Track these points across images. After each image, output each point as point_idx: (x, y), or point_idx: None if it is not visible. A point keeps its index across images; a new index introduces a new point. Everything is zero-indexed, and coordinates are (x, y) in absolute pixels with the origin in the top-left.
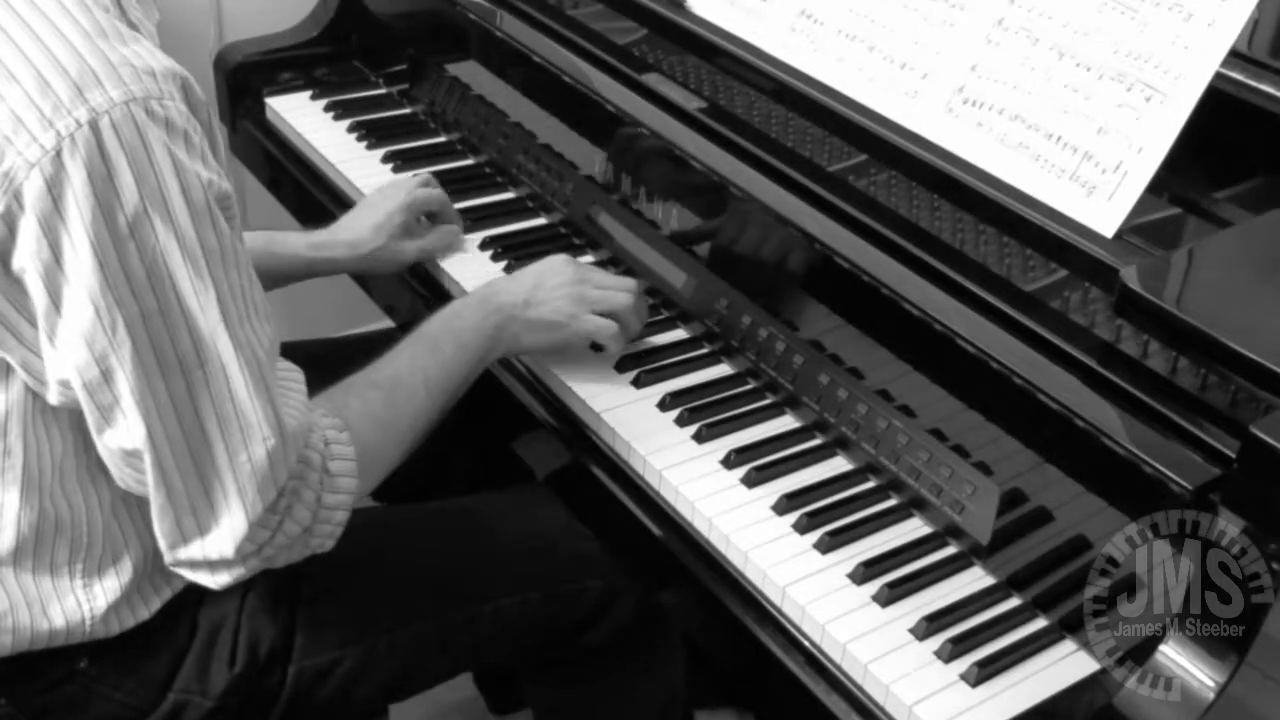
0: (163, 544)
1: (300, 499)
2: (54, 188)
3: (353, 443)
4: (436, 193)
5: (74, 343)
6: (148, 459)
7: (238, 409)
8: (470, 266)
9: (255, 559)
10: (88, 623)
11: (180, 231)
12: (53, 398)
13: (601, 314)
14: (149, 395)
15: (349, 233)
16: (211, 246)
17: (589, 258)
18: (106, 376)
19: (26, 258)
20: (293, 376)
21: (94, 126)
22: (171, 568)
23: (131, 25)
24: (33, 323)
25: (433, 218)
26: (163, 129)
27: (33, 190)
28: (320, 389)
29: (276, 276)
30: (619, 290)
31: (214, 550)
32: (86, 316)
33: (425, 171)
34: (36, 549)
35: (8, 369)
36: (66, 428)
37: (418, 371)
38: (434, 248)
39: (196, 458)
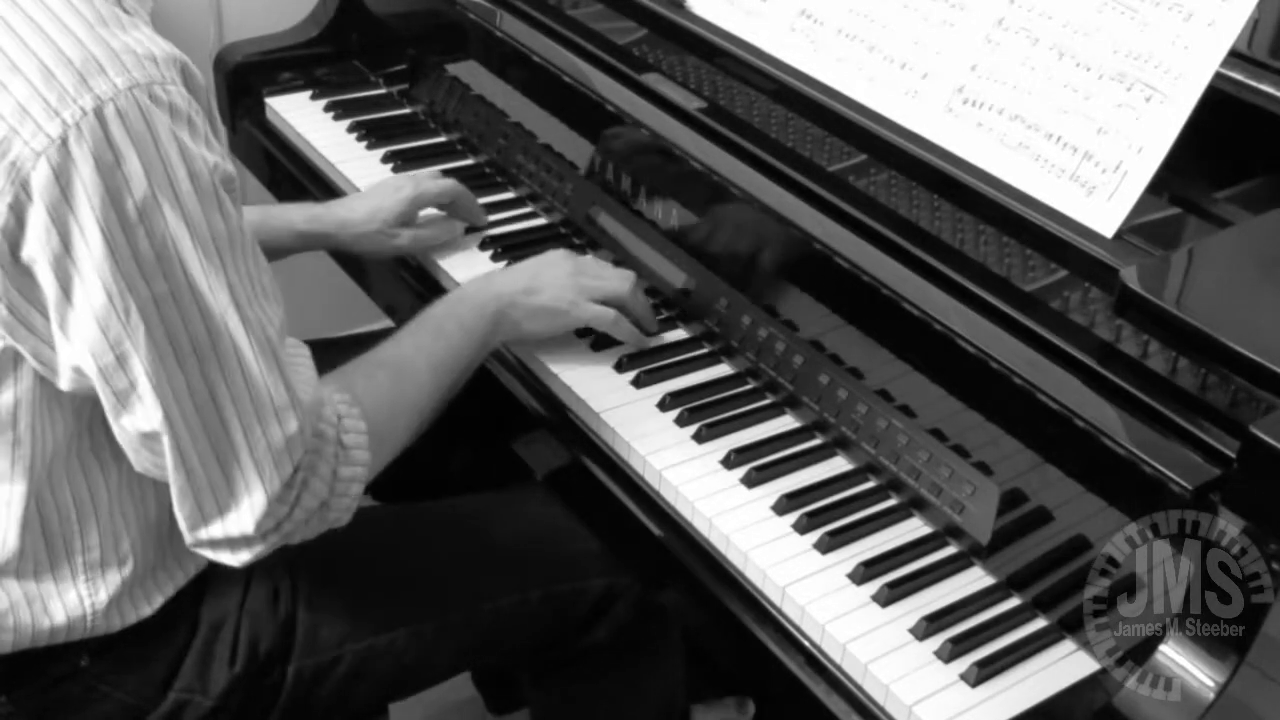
0: (183, 525)
1: (316, 473)
2: (61, 176)
3: (364, 417)
4: (448, 190)
5: (88, 329)
6: (166, 441)
7: (251, 387)
8: (470, 266)
9: (275, 535)
10: (89, 618)
11: (188, 216)
12: (64, 384)
13: (601, 302)
14: (164, 378)
15: (345, 209)
16: (219, 230)
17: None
18: (121, 361)
19: (36, 247)
20: (300, 352)
21: (99, 114)
22: (193, 549)
23: (128, 14)
24: (44, 313)
25: (447, 209)
26: (167, 114)
27: (40, 179)
28: None
29: (270, 249)
30: (616, 279)
31: (235, 528)
32: (100, 303)
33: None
34: (41, 540)
35: (18, 359)
36: (70, 414)
37: (422, 353)
38: (429, 239)
39: (214, 437)
